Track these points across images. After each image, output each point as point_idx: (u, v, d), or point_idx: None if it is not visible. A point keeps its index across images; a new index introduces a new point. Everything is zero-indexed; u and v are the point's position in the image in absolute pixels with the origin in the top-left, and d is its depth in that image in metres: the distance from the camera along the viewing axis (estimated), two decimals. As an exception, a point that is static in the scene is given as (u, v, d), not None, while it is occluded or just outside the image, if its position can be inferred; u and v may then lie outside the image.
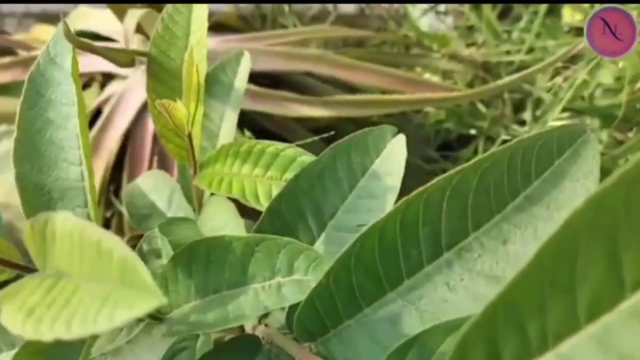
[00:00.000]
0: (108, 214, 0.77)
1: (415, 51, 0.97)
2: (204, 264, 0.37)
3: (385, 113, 0.76)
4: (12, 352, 0.33)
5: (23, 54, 0.81)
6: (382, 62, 0.85)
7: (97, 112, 0.78)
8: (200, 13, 0.46)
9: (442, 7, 1.05)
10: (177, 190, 0.58)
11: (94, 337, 0.33)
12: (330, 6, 1.03)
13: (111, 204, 0.77)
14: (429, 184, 0.29)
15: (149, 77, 0.48)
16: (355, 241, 0.30)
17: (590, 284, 0.20)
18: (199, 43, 0.46)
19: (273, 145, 0.47)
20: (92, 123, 0.76)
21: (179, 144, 0.48)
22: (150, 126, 0.76)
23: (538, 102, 0.84)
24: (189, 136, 0.47)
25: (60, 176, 0.36)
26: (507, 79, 0.73)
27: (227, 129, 0.53)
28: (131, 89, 0.76)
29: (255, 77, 0.76)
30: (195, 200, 0.53)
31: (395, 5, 1.04)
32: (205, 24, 0.46)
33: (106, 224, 0.77)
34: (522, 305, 0.21)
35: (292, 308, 0.35)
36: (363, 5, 1.05)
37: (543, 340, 0.21)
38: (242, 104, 0.75)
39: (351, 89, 0.84)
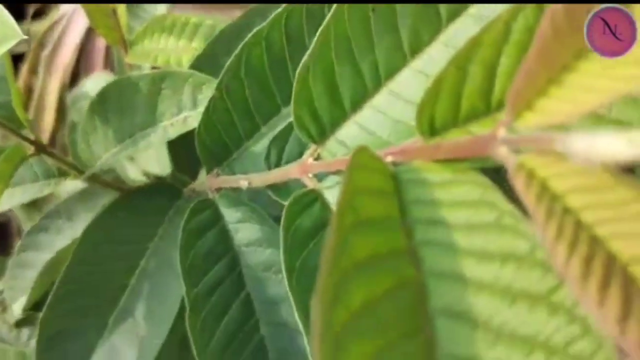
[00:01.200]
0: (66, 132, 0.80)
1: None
2: (117, 109, 0.40)
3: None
4: None
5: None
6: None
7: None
8: None
9: None
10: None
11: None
12: None
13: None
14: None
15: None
16: (241, 49, 0.32)
17: (411, 18, 0.23)
18: None
19: (196, 17, 0.49)
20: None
21: (107, 24, 0.50)
22: (100, 42, 0.78)
23: None
24: (114, 13, 0.49)
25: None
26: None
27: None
28: (80, 8, 0.78)
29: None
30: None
31: None
32: None
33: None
34: (353, 39, 0.23)
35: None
36: None
37: (376, 76, 0.24)
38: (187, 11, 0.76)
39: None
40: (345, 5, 0.22)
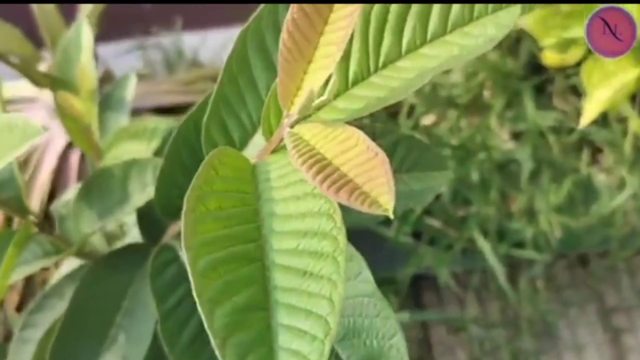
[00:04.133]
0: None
1: None
2: (99, 193, 0.57)
3: None
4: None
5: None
6: None
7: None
8: (86, 36, 0.68)
9: None
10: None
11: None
12: None
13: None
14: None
15: (56, 91, 0.69)
16: (176, 133, 0.50)
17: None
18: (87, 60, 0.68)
19: (153, 123, 0.67)
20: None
21: (84, 138, 0.68)
22: (73, 165, 0.96)
23: None
24: (89, 128, 0.67)
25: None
26: None
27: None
28: (53, 137, 0.97)
29: None
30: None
31: None
32: (91, 45, 0.68)
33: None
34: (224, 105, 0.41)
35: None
36: None
37: (250, 122, 0.41)
38: None
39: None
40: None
